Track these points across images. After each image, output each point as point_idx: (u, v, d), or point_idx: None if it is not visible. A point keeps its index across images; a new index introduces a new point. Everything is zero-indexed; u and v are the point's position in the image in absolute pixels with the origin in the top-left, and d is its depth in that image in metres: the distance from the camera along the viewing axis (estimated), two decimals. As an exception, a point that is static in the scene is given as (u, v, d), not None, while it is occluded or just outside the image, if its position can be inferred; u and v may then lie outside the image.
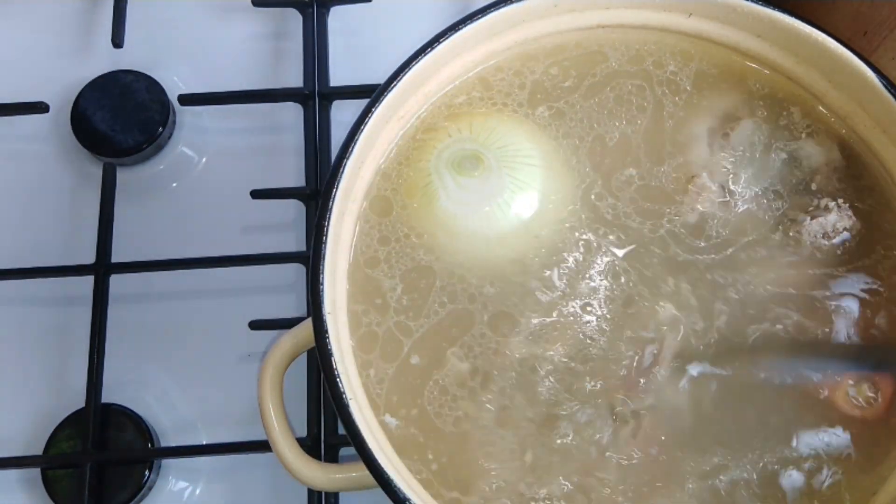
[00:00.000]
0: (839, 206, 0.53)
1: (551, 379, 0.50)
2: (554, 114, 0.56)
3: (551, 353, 0.50)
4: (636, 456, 0.49)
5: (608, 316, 0.51)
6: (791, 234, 0.53)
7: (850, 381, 0.50)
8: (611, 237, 0.53)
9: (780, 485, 0.49)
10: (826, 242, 0.52)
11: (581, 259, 0.52)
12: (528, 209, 0.53)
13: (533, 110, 0.56)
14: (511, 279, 0.52)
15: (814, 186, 0.54)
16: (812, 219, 0.52)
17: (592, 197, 0.54)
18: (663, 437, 0.49)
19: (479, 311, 0.51)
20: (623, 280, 0.52)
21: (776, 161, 0.55)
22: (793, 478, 0.48)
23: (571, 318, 0.51)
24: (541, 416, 0.49)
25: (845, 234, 0.53)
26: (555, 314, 0.51)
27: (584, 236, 0.53)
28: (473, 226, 0.53)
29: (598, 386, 0.50)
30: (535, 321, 0.51)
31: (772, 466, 0.49)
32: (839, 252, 0.53)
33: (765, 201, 0.54)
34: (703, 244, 0.53)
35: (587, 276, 0.52)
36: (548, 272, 0.52)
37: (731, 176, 0.54)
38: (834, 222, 0.52)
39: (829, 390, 0.50)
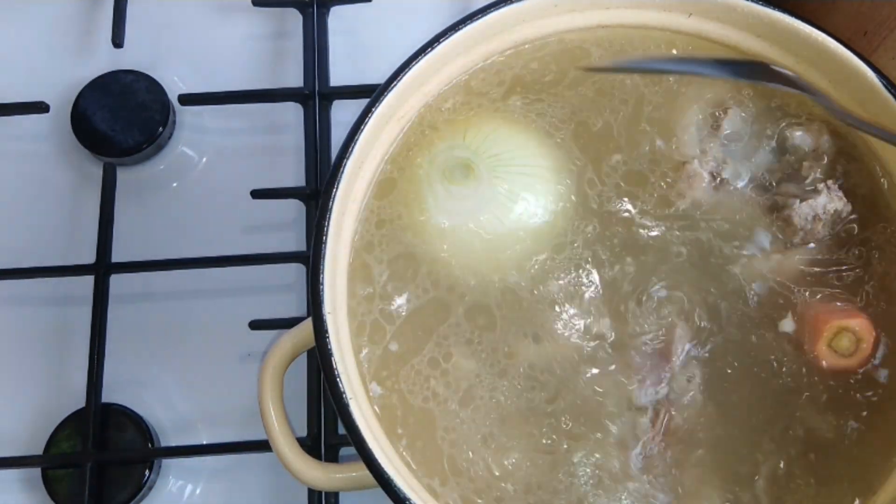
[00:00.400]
0: (829, 188, 0.53)
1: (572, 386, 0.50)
2: (532, 102, 0.56)
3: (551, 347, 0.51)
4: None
5: (599, 313, 0.52)
6: (782, 220, 0.53)
7: (829, 333, 0.50)
8: (602, 236, 0.53)
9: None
10: (818, 226, 0.52)
11: (568, 262, 0.52)
12: (517, 218, 0.53)
13: (505, 102, 0.56)
14: (498, 281, 0.52)
15: (804, 171, 0.54)
16: (802, 201, 0.52)
17: (585, 198, 0.54)
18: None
19: (456, 312, 0.52)
20: (613, 279, 0.52)
21: (767, 147, 0.55)
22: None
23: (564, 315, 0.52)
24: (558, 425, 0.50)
25: (836, 216, 0.53)
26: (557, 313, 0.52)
27: (575, 242, 0.53)
28: (460, 236, 0.52)
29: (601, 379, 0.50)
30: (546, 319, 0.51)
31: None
32: (832, 235, 0.53)
33: (755, 187, 0.54)
34: (697, 233, 0.53)
35: (574, 277, 0.52)
36: (535, 273, 0.52)
37: (722, 163, 0.54)
38: (824, 204, 0.52)
39: (811, 343, 0.50)
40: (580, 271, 0.52)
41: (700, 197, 0.54)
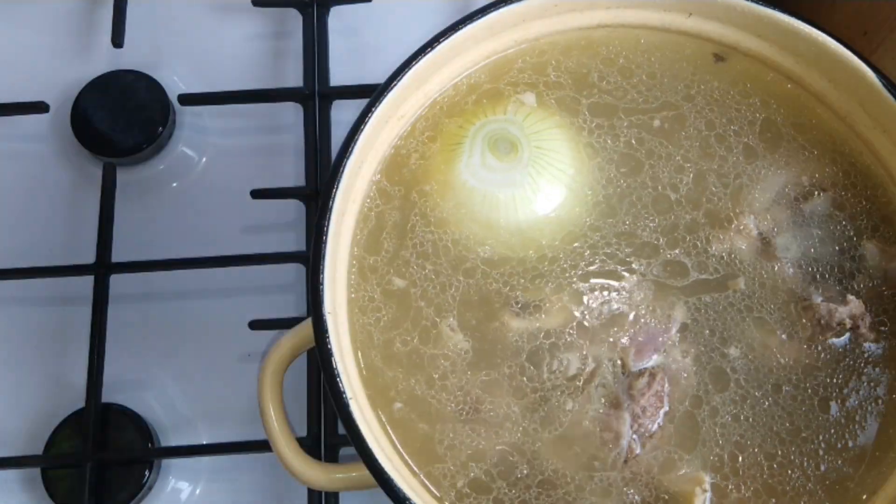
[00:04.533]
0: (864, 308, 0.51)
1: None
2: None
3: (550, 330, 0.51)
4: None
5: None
6: (802, 308, 0.52)
7: None
8: (618, 258, 0.53)
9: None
10: (829, 333, 0.51)
11: (581, 270, 0.52)
12: (536, 211, 0.53)
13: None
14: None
15: (853, 283, 0.52)
16: (825, 301, 0.51)
17: (608, 217, 0.53)
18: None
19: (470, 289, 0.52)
20: (623, 297, 0.52)
21: (834, 245, 0.53)
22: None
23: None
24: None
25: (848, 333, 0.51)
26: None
27: (588, 253, 0.53)
28: (476, 202, 0.53)
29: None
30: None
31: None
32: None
33: (797, 267, 0.52)
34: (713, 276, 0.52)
35: (581, 285, 0.52)
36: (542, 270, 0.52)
37: (780, 230, 0.53)
38: (848, 313, 0.51)
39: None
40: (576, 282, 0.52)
41: (737, 248, 0.52)
